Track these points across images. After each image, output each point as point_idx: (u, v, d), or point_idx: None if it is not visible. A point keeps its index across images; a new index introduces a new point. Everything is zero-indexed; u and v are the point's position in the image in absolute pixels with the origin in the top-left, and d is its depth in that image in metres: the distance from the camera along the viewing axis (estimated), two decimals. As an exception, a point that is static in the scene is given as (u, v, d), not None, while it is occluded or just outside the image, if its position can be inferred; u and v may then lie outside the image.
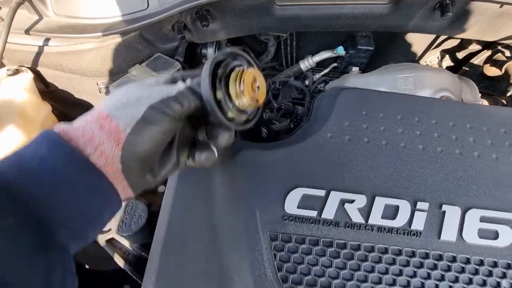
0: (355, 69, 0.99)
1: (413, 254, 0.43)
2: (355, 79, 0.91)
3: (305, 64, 1.08)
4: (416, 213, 0.45)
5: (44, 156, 0.24)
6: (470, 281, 0.42)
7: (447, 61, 1.27)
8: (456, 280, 0.42)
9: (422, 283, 0.42)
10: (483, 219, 0.45)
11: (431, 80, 0.82)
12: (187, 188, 0.48)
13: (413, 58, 1.19)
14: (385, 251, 0.43)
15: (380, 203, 0.45)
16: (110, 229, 0.69)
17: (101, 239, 0.68)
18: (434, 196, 0.47)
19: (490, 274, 0.43)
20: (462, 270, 0.42)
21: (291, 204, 0.45)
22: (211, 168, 0.48)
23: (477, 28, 0.79)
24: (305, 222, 0.44)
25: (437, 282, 0.42)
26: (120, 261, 0.66)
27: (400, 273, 0.42)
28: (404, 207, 0.45)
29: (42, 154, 0.24)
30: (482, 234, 0.45)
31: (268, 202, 0.45)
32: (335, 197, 0.45)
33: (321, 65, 1.10)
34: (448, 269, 0.42)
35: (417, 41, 1.08)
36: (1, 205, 0.22)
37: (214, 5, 0.66)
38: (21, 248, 0.21)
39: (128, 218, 0.66)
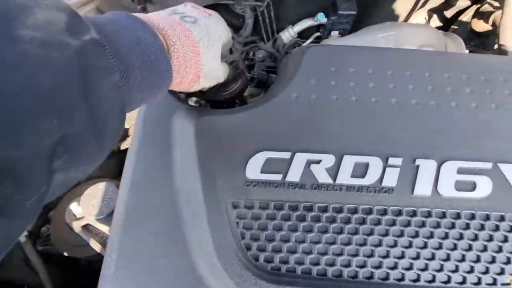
0: (335, 33, 0.93)
1: (385, 212, 0.40)
2: (334, 44, 0.86)
3: (286, 35, 1.03)
4: (388, 169, 0.42)
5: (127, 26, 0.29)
6: (446, 236, 0.39)
7: (435, 21, 1.20)
8: (431, 235, 0.39)
9: (395, 241, 0.39)
10: (460, 171, 0.42)
11: (413, 36, 0.78)
12: (146, 162, 0.45)
13: (399, 20, 1.13)
14: (355, 210, 0.40)
15: (349, 161, 0.42)
16: (83, 217, 0.67)
17: (77, 225, 0.67)
18: (408, 151, 0.43)
19: (467, 227, 0.40)
20: (438, 225, 0.40)
21: (254, 169, 0.42)
22: (170, 139, 0.45)
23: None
24: (269, 187, 0.41)
25: (410, 239, 0.39)
26: (96, 247, 0.65)
27: (371, 232, 0.39)
28: (375, 164, 0.42)
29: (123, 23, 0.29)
30: (459, 186, 0.42)
31: (229, 168, 0.42)
32: (301, 158, 0.42)
33: (304, 35, 1.05)
34: (423, 224, 0.40)
35: (402, 1, 1.02)
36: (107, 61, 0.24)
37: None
38: None
39: (100, 202, 0.63)
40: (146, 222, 0.41)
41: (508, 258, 0.39)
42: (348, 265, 0.38)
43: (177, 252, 0.39)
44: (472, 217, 0.40)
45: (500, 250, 0.39)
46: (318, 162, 0.42)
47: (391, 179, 0.42)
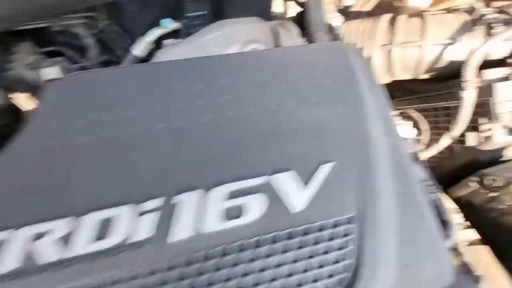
0: (169, 41, 0.86)
1: (133, 277, 0.32)
2: (165, 55, 0.79)
3: (140, 49, 0.93)
4: (141, 217, 0.34)
5: None
6: (208, 284, 0.33)
7: (293, 7, 1.20)
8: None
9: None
10: (229, 196, 0.37)
11: (238, 33, 0.74)
12: None
13: (262, 12, 1.10)
14: None
15: (90, 222, 0.34)
16: None
17: None
18: (166, 188, 0.36)
19: (235, 263, 0.34)
20: (200, 274, 0.33)
21: None
22: None
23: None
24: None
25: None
26: None
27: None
28: (125, 214, 0.34)
29: None
30: (227, 215, 0.36)
31: None
32: (21, 235, 0.32)
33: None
34: (181, 278, 0.33)
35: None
36: None
37: None
38: None
39: None
40: None
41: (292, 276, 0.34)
42: None
43: None
44: (241, 249, 0.35)
45: (283, 275, 0.35)
46: (44, 235, 0.33)
47: (144, 228, 0.34)
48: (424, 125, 0.74)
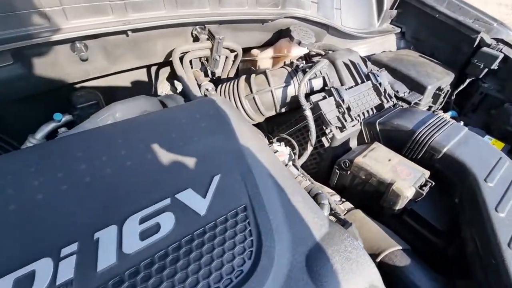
0: (62, 129, 0.91)
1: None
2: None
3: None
4: (61, 262, 0.38)
5: None
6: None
7: (180, 86, 1.41)
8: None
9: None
10: (142, 221, 0.45)
11: (127, 111, 0.86)
12: None
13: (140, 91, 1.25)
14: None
15: (6, 284, 0.35)
16: None
17: None
18: (84, 231, 0.42)
19: (162, 268, 0.41)
20: (134, 286, 0.39)
21: None
22: None
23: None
24: None
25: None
26: None
27: None
28: (43, 266, 0.38)
29: None
30: (144, 235, 0.43)
31: None
32: None
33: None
34: (115, 297, 0.37)
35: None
36: None
37: None
38: None
39: None
40: None
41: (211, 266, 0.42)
42: None
43: None
44: (166, 255, 0.42)
45: (206, 264, 0.43)
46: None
47: (68, 270, 0.38)
48: (295, 142, 1.00)
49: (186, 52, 0.94)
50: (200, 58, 1.03)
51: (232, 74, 1.25)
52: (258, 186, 0.56)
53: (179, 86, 1.44)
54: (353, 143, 1.04)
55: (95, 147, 0.53)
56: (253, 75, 1.03)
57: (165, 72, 1.29)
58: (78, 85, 1.01)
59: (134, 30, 0.75)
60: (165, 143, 0.57)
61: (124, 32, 0.74)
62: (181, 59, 0.94)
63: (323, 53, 1.21)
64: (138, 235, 0.43)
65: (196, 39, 0.96)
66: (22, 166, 0.47)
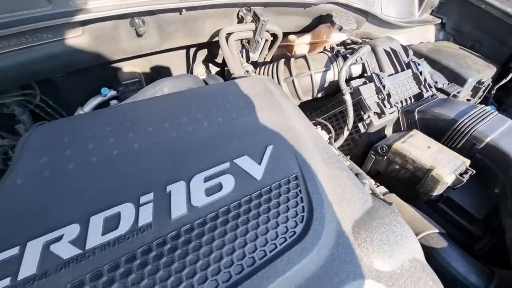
0: (113, 101, 0.97)
1: (149, 250, 0.40)
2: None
3: None
4: (141, 208, 0.43)
5: None
6: (212, 239, 0.42)
7: (214, 68, 1.46)
8: (200, 246, 0.42)
9: (169, 272, 0.39)
10: (206, 179, 0.49)
11: (174, 87, 0.90)
12: None
13: (177, 72, 1.29)
14: (116, 266, 0.38)
15: (97, 220, 0.41)
16: None
17: None
18: (157, 183, 0.46)
19: (226, 222, 0.45)
20: (202, 234, 0.43)
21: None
22: None
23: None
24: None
25: (182, 261, 0.40)
26: None
27: (141, 279, 0.38)
28: (127, 209, 0.43)
29: None
30: (209, 192, 0.47)
31: None
32: (35, 245, 0.37)
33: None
34: (189, 241, 0.42)
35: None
36: None
37: None
38: None
39: None
40: None
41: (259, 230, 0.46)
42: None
43: None
44: (228, 211, 0.46)
45: (263, 222, 0.46)
46: (59, 239, 0.38)
47: (147, 215, 0.43)
48: (331, 127, 1.01)
49: (231, 33, 0.97)
50: (241, 40, 1.06)
51: (268, 59, 1.27)
52: (307, 158, 0.59)
53: (213, 69, 1.48)
54: (389, 131, 1.04)
55: (159, 114, 0.58)
56: (292, 59, 1.05)
57: (202, 54, 1.33)
58: (124, 62, 1.07)
59: (188, 9, 0.79)
60: (220, 113, 0.61)
61: (179, 10, 0.78)
62: (226, 39, 0.97)
63: (360, 41, 1.20)
64: (203, 191, 0.47)
65: (241, 20, 0.98)
66: (99, 125, 0.52)
